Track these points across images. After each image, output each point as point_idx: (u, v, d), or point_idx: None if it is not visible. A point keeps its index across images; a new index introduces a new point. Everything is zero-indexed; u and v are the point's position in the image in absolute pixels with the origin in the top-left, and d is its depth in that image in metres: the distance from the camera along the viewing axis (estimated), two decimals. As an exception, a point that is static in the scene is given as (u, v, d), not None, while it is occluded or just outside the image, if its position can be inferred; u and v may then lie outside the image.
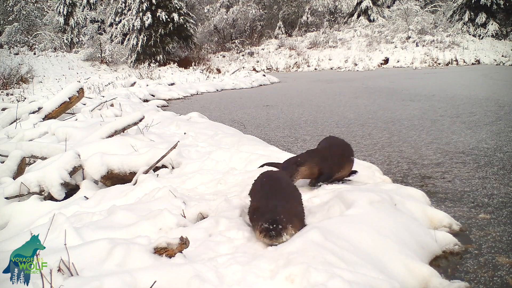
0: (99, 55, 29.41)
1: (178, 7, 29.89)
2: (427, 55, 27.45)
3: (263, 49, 34.92)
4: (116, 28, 31.38)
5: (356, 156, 4.47)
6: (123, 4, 31.24)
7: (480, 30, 30.64)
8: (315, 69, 30.31)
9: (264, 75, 20.92)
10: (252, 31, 36.88)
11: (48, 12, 37.02)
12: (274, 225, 2.29)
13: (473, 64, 26.31)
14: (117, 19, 32.13)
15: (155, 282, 1.79)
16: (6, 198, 3.76)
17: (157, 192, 3.27)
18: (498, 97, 9.73)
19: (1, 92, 16.07)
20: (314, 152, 3.40)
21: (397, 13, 32.81)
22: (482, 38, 30.06)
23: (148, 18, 28.91)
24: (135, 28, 29.39)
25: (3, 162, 4.58)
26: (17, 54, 27.20)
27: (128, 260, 2.01)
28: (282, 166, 3.26)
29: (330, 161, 3.31)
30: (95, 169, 4.02)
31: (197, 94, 15.33)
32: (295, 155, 3.54)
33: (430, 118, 7.30)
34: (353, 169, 3.51)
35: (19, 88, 17.75)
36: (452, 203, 3.25)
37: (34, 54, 28.27)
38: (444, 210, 2.97)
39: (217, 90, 16.36)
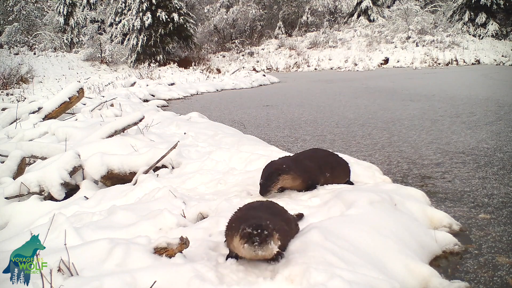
0: (99, 55, 29.40)
1: (178, 7, 29.89)
2: (427, 55, 27.45)
3: (263, 49, 34.93)
4: (116, 28, 31.37)
5: (356, 156, 4.47)
6: (123, 4, 31.23)
7: (480, 30, 30.65)
8: (315, 69, 30.31)
9: (264, 75, 20.93)
10: (252, 31, 36.89)
11: (48, 12, 37.00)
12: (259, 230, 1.91)
13: (473, 64, 26.32)
14: (117, 19, 32.13)
15: (155, 282, 1.79)
16: (6, 198, 3.76)
17: (157, 192, 3.27)
18: (498, 97, 9.73)
19: (1, 92, 16.07)
20: (299, 162, 3.19)
21: (397, 13, 32.81)
22: (482, 38, 30.06)
23: (148, 18, 28.90)
24: (135, 28, 29.39)
25: (3, 162, 4.58)
26: (17, 54, 27.17)
27: (128, 260, 2.01)
28: (263, 171, 3.07)
29: (315, 172, 3.17)
30: (95, 169, 4.02)
31: (197, 94, 15.34)
32: (279, 158, 3.33)
33: (430, 118, 7.30)
34: (353, 171, 3.50)
35: (19, 88, 17.75)
36: (452, 203, 3.25)
37: (34, 54, 28.25)
38: (444, 210, 2.97)
39: (217, 90, 16.37)
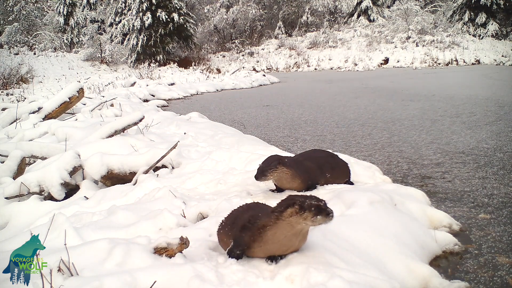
0: (99, 55, 29.38)
1: (178, 7, 29.88)
2: (427, 55, 27.44)
3: (263, 49, 34.91)
4: (116, 28, 31.37)
5: (356, 156, 4.47)
6: (123, 4, 31.24)
7: (480, 30, 30.64)
8: (315, 69, 30.30)
9: (264, 75, 20.91)
10: (252, 31, 36.88)
11: (48, 12, 36.99)
12: (323, 202, 1.90)
13: (473, 64, 26.30)
14: (117, 19, 32.13)
15: (155, 282, 1.79)
16: (6, 198, 3.76)
17: (157, 192, 3.27)
18: (498, 97, 9.73)
19: (1, 92, 16.07)
20: (299, 162, 3.18)
21: (397, 13, 32.79)
22: (482, 38, 30.06)
23: (148, 18, 28.90)
24: (135, 28, 29.38)
25: (3, 162, 4.58)
26: (17, 54, 27.14)
27: (128, 260, 2.01)
28: (264, 160, 3.07)
29: (315, 172, 3.17)
30: (95, 169, 4.02)
31: (197, 94, 15.33)
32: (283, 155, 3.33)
33: (430, 118, 7.29)
34: (353, 171, 3.50)
35: (19, 88, 17.74)
36: (452, 203, 3.25)
37: (34, 54, 28.23)
38: (444, 210, 2.97)
39: (217, 90, 16.36)
